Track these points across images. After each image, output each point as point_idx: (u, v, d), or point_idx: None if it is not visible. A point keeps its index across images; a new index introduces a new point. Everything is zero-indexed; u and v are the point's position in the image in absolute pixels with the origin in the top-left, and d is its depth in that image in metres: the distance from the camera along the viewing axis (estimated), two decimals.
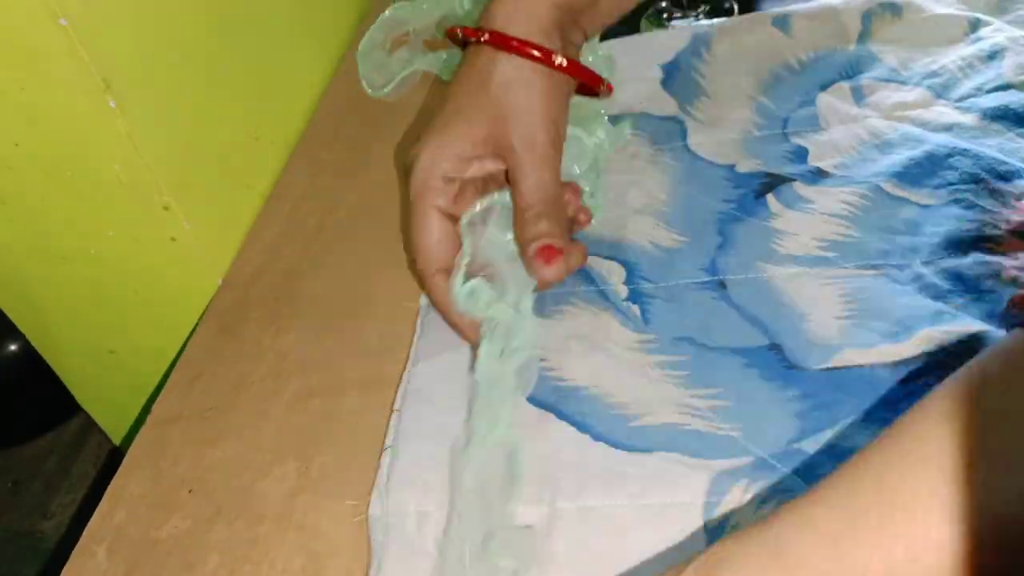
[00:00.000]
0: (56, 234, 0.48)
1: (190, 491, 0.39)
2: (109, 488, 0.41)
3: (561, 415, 0.39)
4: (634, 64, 0.57)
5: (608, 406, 0.38)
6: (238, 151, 0.54)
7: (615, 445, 0.37)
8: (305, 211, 0.54)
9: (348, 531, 0.36)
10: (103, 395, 0.61)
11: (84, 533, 0.39)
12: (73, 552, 0.38)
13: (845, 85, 0.52)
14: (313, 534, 0.37)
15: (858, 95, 0.51)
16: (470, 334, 0.40)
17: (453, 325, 0.41)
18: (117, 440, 0.64)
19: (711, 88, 0.54)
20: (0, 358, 0.82)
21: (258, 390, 0.43)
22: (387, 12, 0.60)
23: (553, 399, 0.39)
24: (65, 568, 0.38)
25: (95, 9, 0.41)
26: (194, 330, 0.48)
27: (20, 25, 0.39)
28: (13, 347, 0.82)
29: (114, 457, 0.76)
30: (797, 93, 0.53)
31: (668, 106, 0.54)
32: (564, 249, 0.40)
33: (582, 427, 0.38)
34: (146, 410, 0.45)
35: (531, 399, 0.40)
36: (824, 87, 0.52)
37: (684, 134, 0.52)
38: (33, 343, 0.58)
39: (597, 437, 0.37)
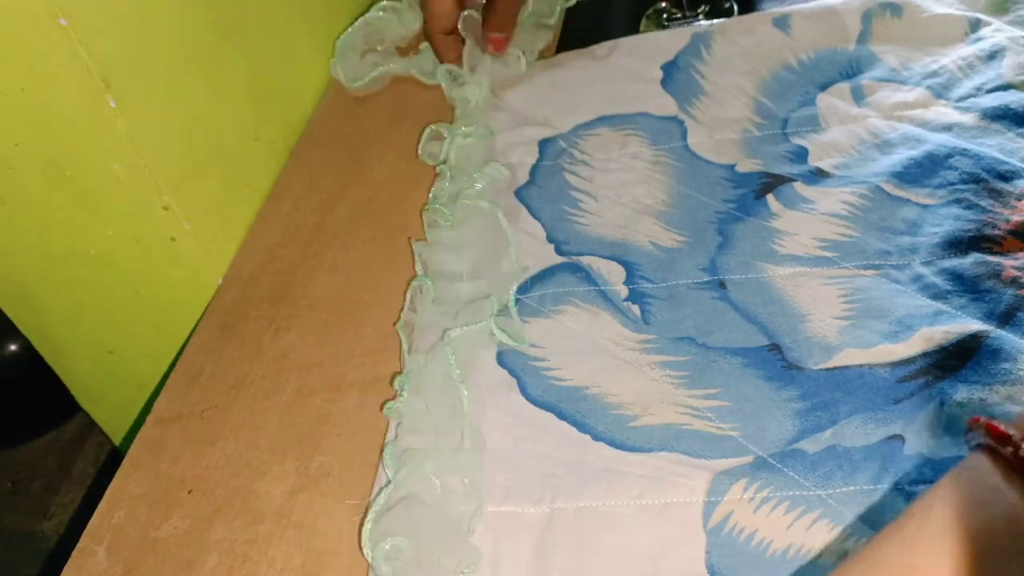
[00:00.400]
0: (56, 234, 0.48)
1: (189, 491, 0.39)
2: (109, 488, 0.41)
3: (561, 415, 0.39)
4: (634, 64, 0.57)
5: (608, 406, 0.38)
6: (238, 151, 0.54)
7: (615, 445, 0.37)
8: (305, 211, 0.54)
9: (348, 530, 0.36)
10: (103, 395, 0.61)
11: (84, 533, 0.39)
12: (73, 552, 0.38)
13: (845, 85, 0.52)
14: (312, 533, 0.37)
15: (858, 95, 0.51)
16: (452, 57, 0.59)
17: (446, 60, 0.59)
18: (117, 440, 0.64)
19: (711, 88, 0.54)
20: (0, 358, 0.82)
21: (258, 390, 0.43)
22: (366, 17, 0.62)
23: (553, 399, 0.39)
24: (65, 567, 0.38)
25: (95, 9, 0.41)
26: (194, 330, 0.48)
27: (20, 25, 0.39)
28: (13, 347, 0.82)
29: (114, 457, 0.76)
30: (797, 93, 0.53)
31: (668, 106, 0.54)
32: (508, 39, 0.59)
33: (582, 427, 0.38)
34: (146, 410, 0.45)
35: (531, 399, 0.40)
36: (824, 87, 0.52)
37: (684, 134, 0.52)
38: (33, 343, 0.58)
39: (597, 437, 0.37)
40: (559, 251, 0.47)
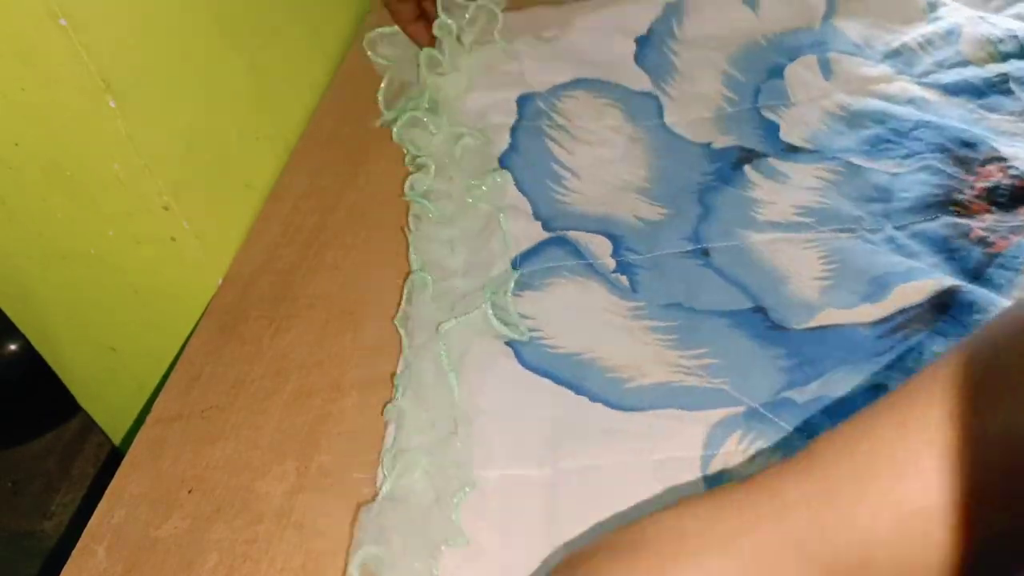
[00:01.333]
0: (56, 234, 0.48)
1: (190, 491, 0.39)
2: (109, 488, 0.41)
3: (558, 380, 0.39)
4: (607, 37, 0.58)
5: (603, 369, 0.39)
6: (238, 151, 0.54)
7: (612, 405, 0.38)
8: (305, 211, 0.54)
9: (348, 530, 0.36)
10: (103, 395, 0.61)
11: (84, 532, 0.39)
12: (73, 552, 0.38)
13: (812, 57, 0.54)
14: (312, 533, 0.37)
15: (825, 67, 0.53)
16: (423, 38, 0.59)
17: (410, 35, 0.60)
18: (117, 440, 0.64)
19: (683, 65, 0.56)
20: (0, 358, 0.82)
21: (258, 389, 0.43)
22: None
23: (548, 365, 0.40)
24: (65, 567, 0.38)
25: (95, 9, 0.41)
26: (194, 330, 0.48)
27: (20, 25, 0.39)
28: (13, 347, 0.82)
29: (114, 457, 0.76)
30: (766, 63, 0.54)
31: (642, 81, 0.55)
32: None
33: (579, 390, 0.39)
34: (146, 410, 0.45)
35: (526, 365, 0.40)
36: (792, 58, 0.54)
37: (660, 112, 0.53)
38: (33, 343, 0.58)
39: (594, 398, 0.38)
40: (546, 228, 0.47)
